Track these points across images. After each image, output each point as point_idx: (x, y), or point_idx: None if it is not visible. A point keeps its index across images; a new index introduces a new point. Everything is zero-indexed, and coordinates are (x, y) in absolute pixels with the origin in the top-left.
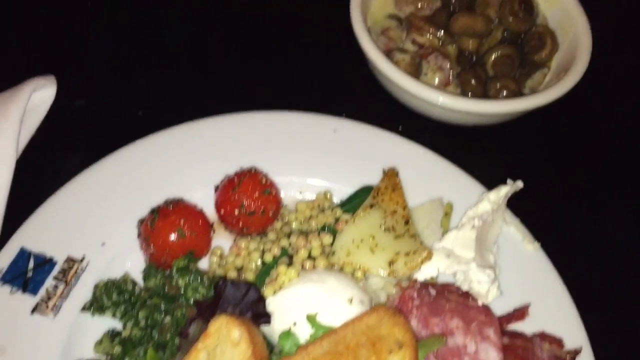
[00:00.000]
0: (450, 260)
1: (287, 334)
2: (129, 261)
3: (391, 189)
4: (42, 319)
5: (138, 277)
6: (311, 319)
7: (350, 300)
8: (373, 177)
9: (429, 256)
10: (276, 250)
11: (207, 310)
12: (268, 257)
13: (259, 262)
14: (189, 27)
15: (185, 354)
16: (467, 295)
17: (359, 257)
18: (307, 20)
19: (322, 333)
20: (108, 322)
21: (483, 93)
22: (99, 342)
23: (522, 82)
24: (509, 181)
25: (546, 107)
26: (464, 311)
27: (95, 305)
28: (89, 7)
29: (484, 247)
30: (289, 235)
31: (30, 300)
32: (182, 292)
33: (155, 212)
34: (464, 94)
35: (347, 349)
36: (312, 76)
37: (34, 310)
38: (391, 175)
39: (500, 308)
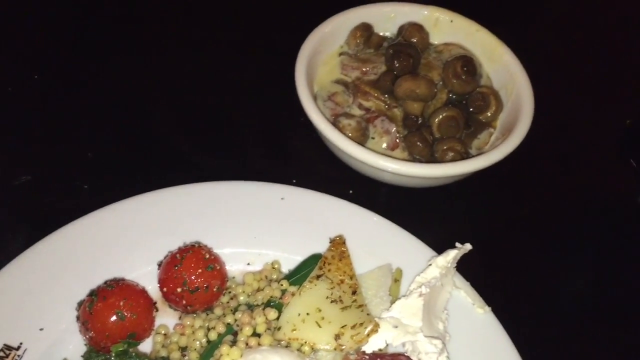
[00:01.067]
0: (398, 330)
1: None
2: (70, 345)
3: (338, 258)
4: None
5: None
6: None
7: None
8: (322, 245)
9: (376, 328)
10: (221, 328)
11: None
12: (213, 335)
13: (204, 341)
14: (131, 98)
15: None
16: None
17: (305, 332)
18: (253, 86)
19: None
20: None
21: (430, 155)
22: None
23: (469, 142)
24: (457, 244)
25: (493, 166)
26: None
27: None
28: (34, 78)
29: (433, 315)
30: (235, 310)
31: None
32: None
33: (94, 294)
34: (411, 156)
35: None
36: (259, 144)
37: None
38: (338, 244)
39: None
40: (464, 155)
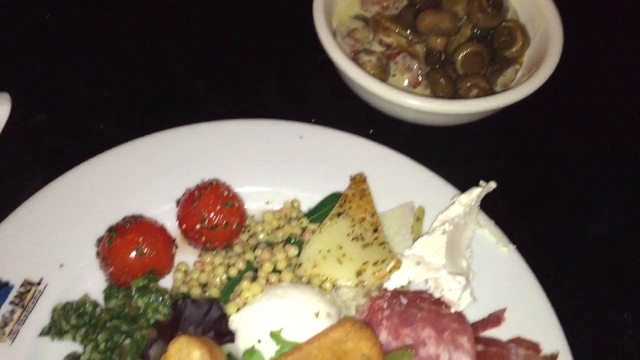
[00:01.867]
0: (420, 267)
1: (252, 352)
2: (90, 281)
3: (359, 196)
4: None
5: (99, 297)
6: (275, 335)
7: (317, 314)
8: (342, 184)
9: (398, 265)
10: (241, 265)
11: (167, 331)
12: (233, 272)
13: (224, 277)
14: (150, 38)
15: None
16: (440, 302)
17: (326, 268)
18: (271, 24)
19: (288, 349)
20: (68, 346)
21: (453, 92)
22: None
23: (494, 80)
24: (481, 182)
25: (519, 103)
26: (436, 320)
27: (54, 330)
28: (47, 18)
29: (456, 252)
30: (255, 248)
31: None
32: (142, 312)
33: (113, 230)
34: (433, 94)
35: None
36: (276, 83)
37: None
38: (359, 182)
39: (475, 314)
40: (489, 93)
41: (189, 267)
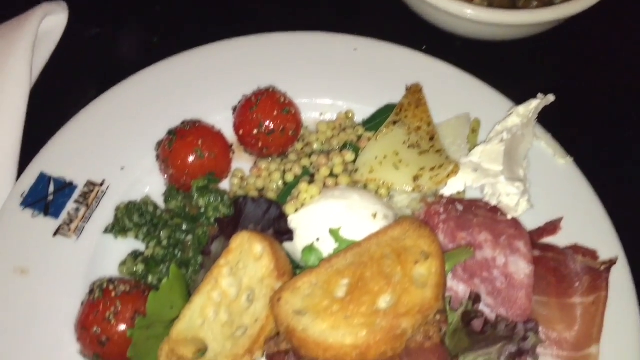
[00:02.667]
0: (478, 174)
1: (310, 249)
2: (149, 185)
3: (415, 105)
4: (64, 241)
5: (159, 200)
6: (334, 233)
7: (374, 215)
8: (396, 96)
9: (456, 169)
10: (297, 170)
11: (228, 228)
12: (289, 177)
13: (280, 183)
14: None
15: (208, 271)
16: (495, 209)
17: (382, 173)
18: None
19: (346, 247)
20: (130, 244)
21: (511, 5)
22: (123, 263)
23: None
24: (539, 95)
25: (578, 16)
26: (492, 225)
27: (117, 227)
28: None
29: (514, 162)
30: (310, 156)
31: (52, 224)
32: (202, 211)
33: (173, 133)
34: (490, 7)
35: (372, 260)
36: None
37: (56, 232)
38: (415, 91)
39: (531, 223)
40: (549, 5)
41: (245, 173)
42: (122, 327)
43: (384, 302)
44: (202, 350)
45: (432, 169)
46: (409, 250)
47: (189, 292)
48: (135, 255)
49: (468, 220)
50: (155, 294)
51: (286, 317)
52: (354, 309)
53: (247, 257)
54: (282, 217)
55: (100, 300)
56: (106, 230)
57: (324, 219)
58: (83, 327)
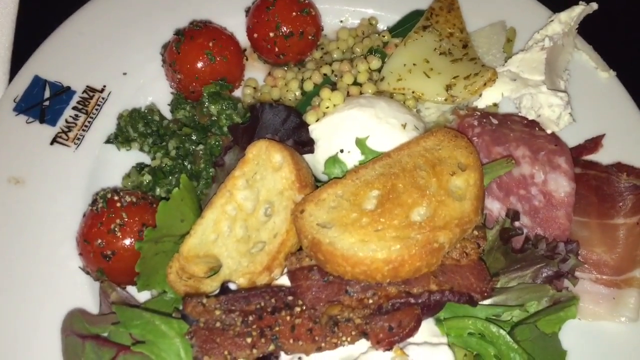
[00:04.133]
0: (516, 84)
1: (334, 161)
2: (153, 93)
3: (447, 10)
4: (63, 150)
5: (164, 111)
6: (360, 143)
7: (404, 126)
8: (423, 2)
9: (494, 77)
10: (317, 78)
11: (243, 137)
12: (308, 86)
13: (298, 93)
14: None
15: (220, 183)
16: (533, 124)
17: (412, 82)
18: None
19: (373, 158)
20: (134, 157)
21: None
22: (127, 175)
23: None
24: (581, 2)
25: None
26: (530, 140)
27: (120, 137)
28: None
29: (554, 73)
30: (330, 64)
31: (49, 131)
32: (214, 120)
33: (181, 34)
34: None
35: (403, 171)
36: None
37: (53, 141)
38: None
39: (571, 140)
40: None
41: (259, 84)
42: (129, 240)
43: (417, 215)
44: (215, 268)
45: (467, 77)
46: (444, 162)
47: (199, 207)
48: (140, 167)
49: (504, 135)
50: (166, 203)
51: (310, 230)
52: (386, 222)
53: (265, 168)
54: (303, 126)
55: (104, 211)
56: (108, 140)
57: (349, 128)
58: (85, 239)
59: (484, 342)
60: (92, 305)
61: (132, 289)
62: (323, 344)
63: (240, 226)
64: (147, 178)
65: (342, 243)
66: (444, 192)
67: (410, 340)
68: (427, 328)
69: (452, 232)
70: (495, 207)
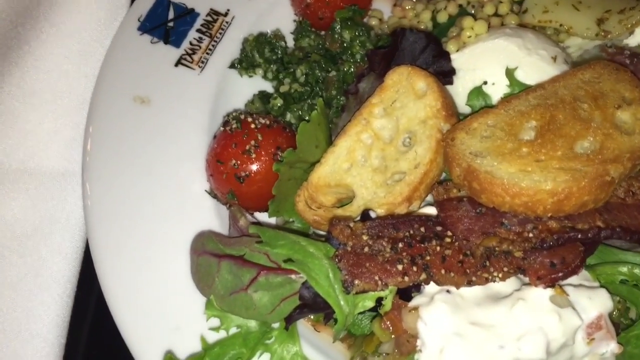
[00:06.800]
0: None
1: (478, 92)
2: (276, 20)
3: None
4: (187, 72)
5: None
6: (510, 74)
7: (554, 59)
8: None
9: None
10: (452, 9)
11: (380, 64)
12: (442, 17)
13: (430, 25)
14: None
15: (352, 112)
16: None
17: (559, 14)
18: None
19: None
20: (254, 84)
21: None
22: (250, 102)
23: None
24: None
25: None
26: None
27: (245, 62)
28: None
29: None
30: None
31: (173, 52)
32: (345, 46)
33: None
34: None
35: (562, 103)
36: None
37: (177, 62)
38: None
39: None
40: None
41: (384, 16)
42: (263, 162)
43: (581, 148)
44: (345, 200)
45: (622, 11)
46: (607, 95)
47: (330, 136)
48: (263, 95)
49: None
50: (306, 124)
51: (464, 158)
52: (548, 153)
53: (406, 96)
54: (444, 55)
55: (238, 132)
56: (232, 65)
57: (494, 59)
58: (219, 159)
59: (637, 291)
60: (218, 229)
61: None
62: (474, 278)
63: (376, 156)
64: (278, 102)
65: (501, 172)
66: (610, 126)
67: (567, 281)
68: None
69: (624, 166)
70: None
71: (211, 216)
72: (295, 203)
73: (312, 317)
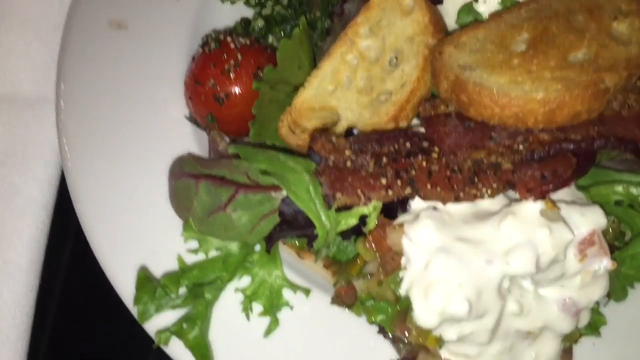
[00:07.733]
0: None
1: (468, 10)
2: None
3: None
4: None
5: None
6: None
7: None
8: None
9: None
10: None
11: None
12: None
13: None
14: None
15: (337, 35)
16: None
17: None
18: None
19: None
20: (238, 12)
21: None
22: (233, 29)
23: None
24: None
25: None
26: None
27: None
28: None
29: None
30: None
31: None
32: None
33: None
34: None
35: (556, 15)
36: None
37: None
38: None
39: None
40: None
41: None
42: (243, 83)
43: (575, 58)
44: (331, 122)
45: None
46: (603, 7)
47: (314, 59)
48: (245, 22)
49: None
50: (287, 41)
51: (452, 70)
52: (540, 63)
53: (393, 13)
54: None
55: (217, 51)
56: None
57: None
58: (197, 80)
59: (633, 212)
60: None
61: None
62: (461, 194)
63: (361, 77)
64: (259, 22)
65: (490, 83)
66: (605, 36)
67: (560, 196)
68: (571, 193)
69: (619, 75)
70: None
71: (190, 142)
72: (279, 128)
73: (296, 243)
